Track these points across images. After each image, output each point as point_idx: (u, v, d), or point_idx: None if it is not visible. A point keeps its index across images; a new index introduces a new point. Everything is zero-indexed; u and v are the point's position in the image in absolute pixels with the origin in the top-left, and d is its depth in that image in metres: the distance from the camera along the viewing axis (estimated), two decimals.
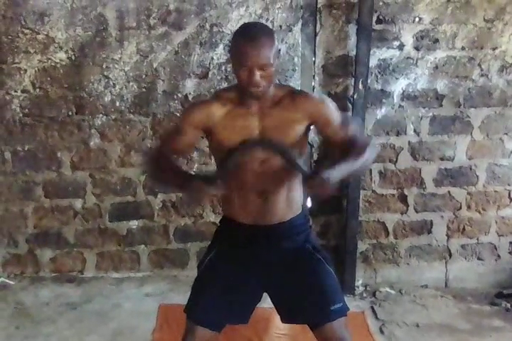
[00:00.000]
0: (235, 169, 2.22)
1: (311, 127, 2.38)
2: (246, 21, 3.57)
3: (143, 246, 4.08)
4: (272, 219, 2.39)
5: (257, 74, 2.12)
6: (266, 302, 2.59)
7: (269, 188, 2.32)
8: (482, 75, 3.77)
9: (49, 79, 3.74)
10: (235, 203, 2.39)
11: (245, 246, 2.43)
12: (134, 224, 4.03)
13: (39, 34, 3.65)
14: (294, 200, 2.41)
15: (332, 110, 2.35)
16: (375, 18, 3.61)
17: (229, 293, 2.39)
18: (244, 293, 2.43)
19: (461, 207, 3.99)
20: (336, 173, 2.17)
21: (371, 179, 3.92)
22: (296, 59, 3.71)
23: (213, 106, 2.30)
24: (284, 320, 2.52)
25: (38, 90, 3.76)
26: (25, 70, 3.72)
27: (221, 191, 2.17)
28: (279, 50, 2.36)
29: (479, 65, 3.74)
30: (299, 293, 2.39)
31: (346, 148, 2.34)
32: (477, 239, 4.07)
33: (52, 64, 3.71)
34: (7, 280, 4.03)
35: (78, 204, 3.98)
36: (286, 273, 2.42)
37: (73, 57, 3.70)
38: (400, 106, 3.80)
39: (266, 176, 2.29)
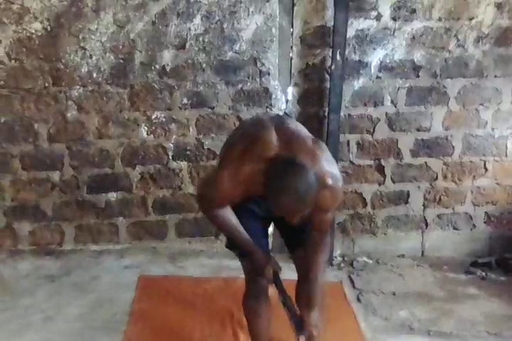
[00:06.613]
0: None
1: None
2: None
3: (121, 218, 4.07)
4: None
5: None
6: None
7: None
8: (458, 46, 3.79)
9: (24, 50, 3.68)
10: None
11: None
12: (112, 196, 4.02)
13: (13, 4, 3.58)
14: None
15: (335, 204, 2.40)
16: None
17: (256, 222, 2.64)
18: (261, 223, 2.70)
19: (437, 178, 4.04)
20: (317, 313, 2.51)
21: (349, 150, 3.94)
22: (273, 30, 3.71)
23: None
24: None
25: (13, 61, 3.70)
26: (0, 41, 3.65)
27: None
28: None
29: (456, 35, 3.76)
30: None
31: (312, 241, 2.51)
32: (453, 209, 4.13)
33: (28, 35, 3.65)
34: None
35: (56, 176, 3.94)
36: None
37: (49, 28, 3.65)
38: (377, 77, 3.82)
39: None
